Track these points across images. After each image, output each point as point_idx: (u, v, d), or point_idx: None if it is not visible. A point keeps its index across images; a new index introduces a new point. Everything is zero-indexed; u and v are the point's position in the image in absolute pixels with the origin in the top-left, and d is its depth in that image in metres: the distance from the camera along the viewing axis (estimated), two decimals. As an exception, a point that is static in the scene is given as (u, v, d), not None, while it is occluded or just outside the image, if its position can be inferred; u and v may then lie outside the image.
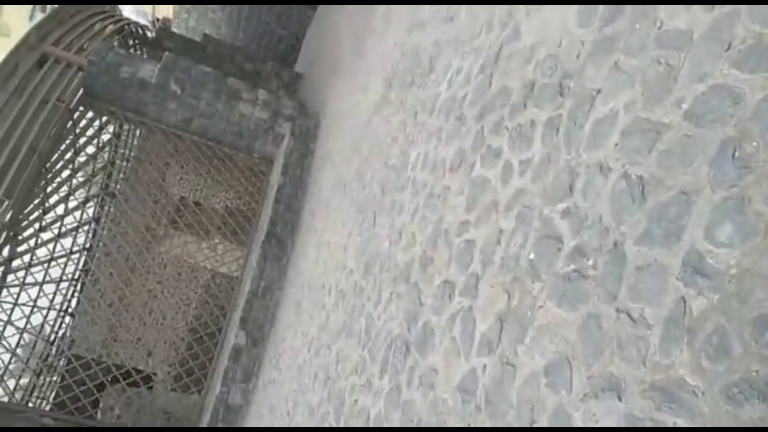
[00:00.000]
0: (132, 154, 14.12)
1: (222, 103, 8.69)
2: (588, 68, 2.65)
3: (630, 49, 2.45)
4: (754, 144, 1.72)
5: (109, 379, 8.12)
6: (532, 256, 2.56)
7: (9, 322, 9.57)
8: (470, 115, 3.57)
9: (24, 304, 10.39)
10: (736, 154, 1.76)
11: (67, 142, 9.83)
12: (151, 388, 9.06)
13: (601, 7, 2.73)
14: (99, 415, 7.81)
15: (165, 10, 20.03)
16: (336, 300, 5.00)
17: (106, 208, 14.17)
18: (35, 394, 12.18)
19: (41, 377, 12.60)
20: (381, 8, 7.47)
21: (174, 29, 18.12)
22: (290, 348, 6.19)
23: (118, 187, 14.11)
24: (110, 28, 10.59)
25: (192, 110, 8.73)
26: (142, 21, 16.73)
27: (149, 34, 13.01)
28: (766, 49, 1.76)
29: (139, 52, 11.89)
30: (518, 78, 3.22)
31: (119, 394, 8.45)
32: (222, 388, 6.97)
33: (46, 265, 10.74)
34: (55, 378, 12.71)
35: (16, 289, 10.06)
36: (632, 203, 2.13)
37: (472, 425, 2.59)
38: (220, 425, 6.97)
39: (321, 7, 15.81)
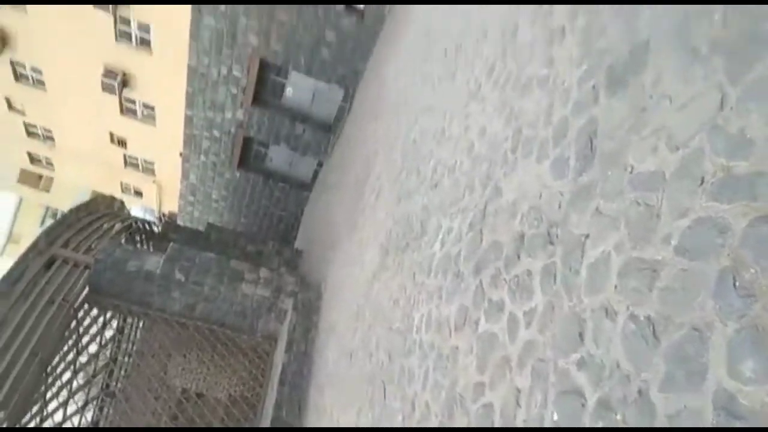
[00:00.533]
0: (134, 348, 13.91)
1: (225, 286, 8.82)
2: (571, 216, 2.73)
3: (607, 194, 2.55)
4: (752, 271, 1.70)
5: None
6: (556, 417, 2.37)
7: None
8: (467, 271, 3.59)
9: None
10: (737, 283, 1.73)
11: (70, 342, 9.75)
12: None
13: (572, 160, 2.91)
14: None
15: (171, 205, 21.32)
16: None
17: (105, 410, 13.53)
18: None
19: None
20: (369, 183, 7.98)
21: (179, 222, 19.13)
22: None
23: (118, 385, 13.65)
24: (117, 226, 11.15)
25: (195, 296, 8.81)
26: (149, 217, 17.70)
27: (156, 229, 13.65)
28: (738, 179, 1.83)
29: (146, 247, 12.34)
30: (507, 231, 3.30)
31: None
32: None
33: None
34: None
35: None
36: (646, 346, 2.04)
37: None
38: None
39: (315, 189, 16.90)
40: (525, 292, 2.88)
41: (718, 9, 2.27)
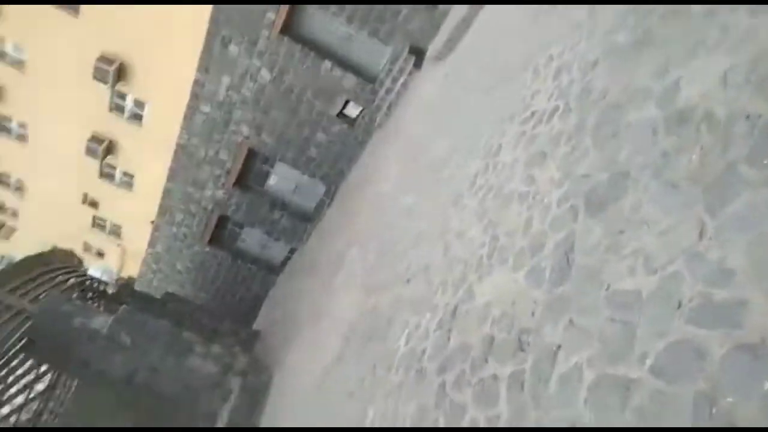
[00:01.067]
0: (63, 408, 12.74)
1: (173, 356, 8.34)
2: (545, 325, 2.73)
3: (583, 308, 2.56)
4: (729, 400, 1.68)
5: None
6: None
7: None
8: (430, 368, 3.49)
9: None
10: (713, 411, 1.70)
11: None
12: None
13: (548, 271, 2.96)
14: None
15: (132, 270, 20.63)
16: None
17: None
18: None
19: None
20: (340, 275, 7.92)
21: (136, 288, 18.40)
22: None
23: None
24: (72, 281, 10.69)
25: (138, 363, 8.27)
26: (107, 279, 16.99)
27: (110, 290, 13.10)
28: (717, 306, 1.86)
29: (97, 306, 11.72)
30: (476, 334, 3.26)
31: None
32: None
33: None
34: None
35: None
36: (613, 466, 1.95)
37: None
38: None
39: (284, 273, 16.65)
40: (490, 398, 2.79)
41: (695, 149, 2.46)
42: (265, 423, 7.46)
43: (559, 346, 2.56)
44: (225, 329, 12.72)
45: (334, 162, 13.85)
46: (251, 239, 17.18)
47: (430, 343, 3.73)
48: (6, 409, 9.14)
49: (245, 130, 13.63)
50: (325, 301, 7.97)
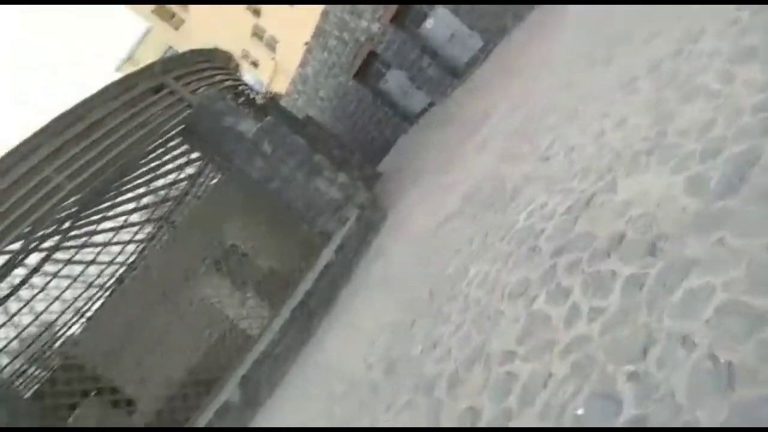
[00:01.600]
0: (204, 193, 14.72)
1: (303, 174, 9.01)
2: (689, 237, 2.50)
3: (740, 229, 2.30)
4: None
5: (95, 390, 7.86)
6: (580, 412, 2.27)
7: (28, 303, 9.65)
8: (546, 248, 3.44)
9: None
10: None
11: (153, 164, 10.44)
12: (131, 414, 8.52)
13: (714, 180, 2.64)
14: (71, 419, 7.39)
15: (279, 87, 21.83)
16: (346, 390, 4.66)
17: (160, 234, 14.59)
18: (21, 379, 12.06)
19: (34, 366, 12.57)
20: (477, 135, 7.75)
21: (281, 103, 19.53)
22: (282, 423, 5.75)
23: (179, 219, 14.62)
24: (228, 83, 11.52)
25: (273, 171, 9.07)
26: (257, 88, 18.11)
27: (258, 100, 14.01)
28: None
29: (246, 111, 12.67)
30: (607, 227, 3.09)
31: (98, 409, 8.04)
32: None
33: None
34: (44, 371, 12.63)
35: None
36: (716, 390, 1.87)
37: None
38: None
39: (418, 124, 16.69)
40: (600, 290, 2.71)
41: None
42: (370, 255, 8.04)
43: (696, 261, 2.36)
44: (353, 163, 13.36)
45: (499, 15, 12.81)
46: (394, 82, 17.11)
47: (552, 224, 3.63)
48: (161, 182, 10.63)
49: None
50: (455, 158, 7.95)
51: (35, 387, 12.64)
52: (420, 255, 5.88)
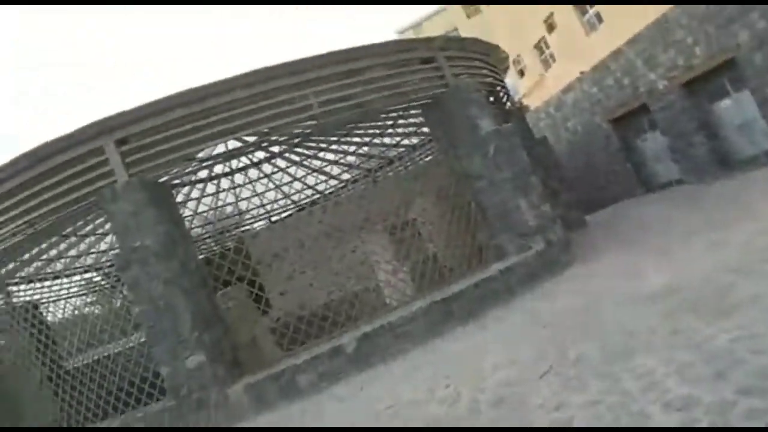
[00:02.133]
0: (412, 165, 15.39)
1: (512, 187, 8.85)
2: None
3: None
4: None
5: (247, 281, 8.94)
6: None
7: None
8: (734, 381, 2.84)
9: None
10: None
11: (389, 122, 11.20)
12: (263, 313, 9.38)
13: None
14: (220, 293, 8.46)
15: (531, 100, 21.53)
16: (447, 396, 4.51)
17: (363, 182, 15.73)
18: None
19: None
20: (720, 234, 6.69)
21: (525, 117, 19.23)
22: (374, 394, 5.85)
23: (382, 178, 15.58)
24: (489, 79, 11.64)
25: (487, 172, 9.06)
26: (511, 93, 17.98)
27: (507, 105, 13.96)
28: None
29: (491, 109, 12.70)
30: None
31: (242, 295, 9.05)
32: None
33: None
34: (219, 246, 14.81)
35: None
36: None
37: None
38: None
39: (655, 194, 15.10)
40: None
41: None
42: (535, 294, 7.59)
43: None
44: (563, 199, 12.71)
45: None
46: (652, 144, 15.72)
47: (757, 361, 2.97)
48: (386, 140, 11.21)
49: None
50: (676, 244, 7.04)
51: (207, 254, 14.84)
52: (588, 317, 5.36)
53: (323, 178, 16.55)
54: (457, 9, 28.88)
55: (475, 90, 9.68)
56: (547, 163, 13.36)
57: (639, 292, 5.57)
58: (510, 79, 22.46)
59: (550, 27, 19.36)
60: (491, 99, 12.28)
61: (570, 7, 17.27)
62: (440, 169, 10.46)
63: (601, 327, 4.86)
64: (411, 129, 13.44)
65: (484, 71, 11.45)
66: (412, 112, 10.85)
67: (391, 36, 36.99)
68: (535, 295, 7.66)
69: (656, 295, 5.24)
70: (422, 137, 13.96)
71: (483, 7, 24.63)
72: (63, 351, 10.10)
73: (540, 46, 20.83)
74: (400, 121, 12.36)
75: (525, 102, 21.81)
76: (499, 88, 12.69)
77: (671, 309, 4.64)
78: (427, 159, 14.82)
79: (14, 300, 10.80)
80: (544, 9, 18.95)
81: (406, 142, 14.56)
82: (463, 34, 26.00)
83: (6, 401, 9.27)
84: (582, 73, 17.16)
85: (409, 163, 15.53)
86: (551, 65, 20.60)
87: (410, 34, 34.02)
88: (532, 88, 22.31)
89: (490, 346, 5.98)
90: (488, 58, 11.74)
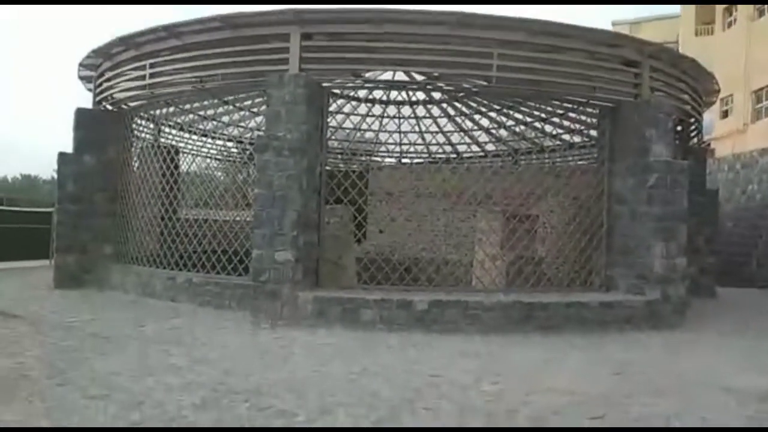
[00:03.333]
0: (563, 162, 14.49)
1: (655, 225, 8.10)
2: None
3: None
4: None
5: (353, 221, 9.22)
6: None
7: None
8: None
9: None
10: None
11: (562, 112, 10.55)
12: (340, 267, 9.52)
13: None
14: (328, 207, 8.79)
15: (720, 147, 19.12)
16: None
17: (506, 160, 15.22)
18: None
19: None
20: None
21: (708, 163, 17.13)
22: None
23: (525, 164, 14.94)
24: (687, 107, 10.48)
25: (637, 200, 8.37)
26: (703, 130, 16.00)
27: (693, 140, 12.50)
28: None
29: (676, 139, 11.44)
30: None
31: (346, 213, 9.33)
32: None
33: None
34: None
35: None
36: None
37: None
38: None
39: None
40: None
41: None
42: (623, 338, 7.02)
43: None
44: (704, 262, 11.54)
45: None
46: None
47: None
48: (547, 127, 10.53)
49: None
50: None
51: (333, 168, 15.41)
52: (665, 386, 4.86)
53: (468, 140, 16.23)
54: (688, 20, 25.78)
55: (666, 112, 8.76)
56: (705, 218, 11.96)
57: (732, 384, 4.94)
58: (709, 115, 20.03)
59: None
60: (678, 127, 11.08)
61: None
62: (587, 177, 9.79)
63: (671, 400, 4.39)
64: (578, 126, 12.61)
65: (685, 96, 10.33)
66: (589, 109, 10.15)
67: (605, 25, 34.27)
68: (623, 341, 7.11)
69: (750, 394, 4.64)
70: (586, 138, 13.04)
71: (717, 29, 21.83)
72: (182, 198, 11.20)
73: (760, 95, 18.18)
74: (571, 114, 11.64)
75: (713, 145, 19.43)
76: (693, 119, 11.39)
77: (759, 413, 4.09)
78: (580, 162, 13.90)
79: (162, 138, 12.07)
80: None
81: (566, 136, 13.71)
82: (683, 49, 23.34)
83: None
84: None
85: (559, 158, 14.68)
86: (762, 118, 17.98)
87: (625, 29, 31.22)
88: (729, 134, 19.73)
89: (553, 367, 5.69)
90: (696, 84, 10.51)
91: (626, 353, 6.44)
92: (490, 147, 16.06)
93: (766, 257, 15.29)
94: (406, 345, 6.48)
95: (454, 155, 16.61)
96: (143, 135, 11.60)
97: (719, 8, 21.23)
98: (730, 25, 20.82)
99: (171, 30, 8.81)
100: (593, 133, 11.60)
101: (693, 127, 12.04)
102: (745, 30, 19.01)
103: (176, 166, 10.73)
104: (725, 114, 20.78)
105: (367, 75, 9.34)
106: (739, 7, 19.67)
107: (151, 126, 11.70)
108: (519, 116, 13.49)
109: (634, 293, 8.19)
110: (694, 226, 9.87)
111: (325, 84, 8.63)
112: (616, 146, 8.97)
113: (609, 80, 8.76)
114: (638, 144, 8.52)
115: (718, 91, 11.88)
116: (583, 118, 11.63)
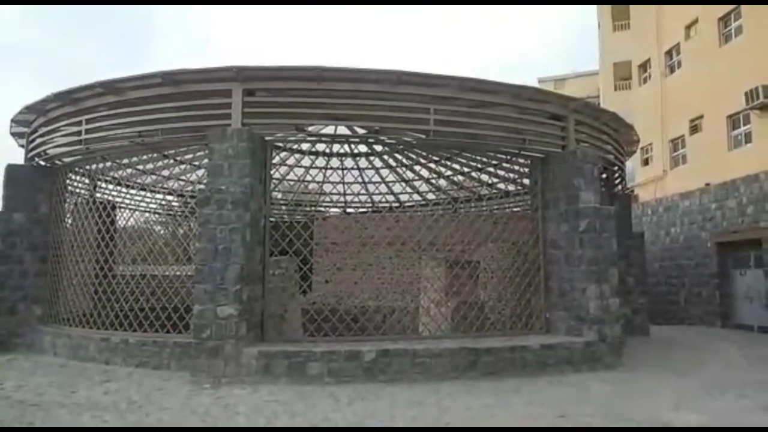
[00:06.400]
0: (494, 210, 15.04)
1: (587, 269, 8.53)
2: None
3: None
4: None
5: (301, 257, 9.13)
6: None
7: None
8: None
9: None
10: None
11: (497, 162, 11.01)
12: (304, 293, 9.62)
13: None
14: (272, 258, 8.73)
15: (644, 192, 20.45)
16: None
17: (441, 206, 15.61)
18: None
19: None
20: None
21: (633, 208, 18.24)
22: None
23: (464, 210, 15.41)
24: (610, 156, 11.21)
25: (568, 244, 8.80)
26: (625, 176, 17.06)
27: (616, 187, 13.32)
28: None
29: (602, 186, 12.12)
30: None
31: (291, 264, 9.29)
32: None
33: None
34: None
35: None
36: None
37: None
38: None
39: (731, 331, 13.86)
40: None
41: None
42: (565, 379, 7.23)
43: None
44: (635, 301, 12.10)
45: None
46: (750, 280, 14.46)
47: None
48: (484, 177, 10.90)
49: None
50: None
51: (277, 219, 15.37)
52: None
53: (410, 190, 16.65)
54: (607, 77, 27.96)
55: (592, 162, 9.37)
56: (634, 260, 12.68)
57: (672, 422, 5.18)
58: (631, 163, 21.49)
59: (695, 128, 18.26)
60: (604, 175, 11.82)
61: (723, 116, 16.20)
62: (523, 224, 10.22)
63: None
64: (512, 175, 13.23)
65: (608, 146, 11.06)
66: (521, 160, 10.69)
67: (531, 81, 36.50)
68: (565, 382, 7.32)
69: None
70: (520, 186, 13.68)
71: (635, 84, 23.69)
72: (118, 255, 10.82)
73: (677, 143, 19.72)
74: (505, 164, 12.22)
75: (637, 191, 20.76)
76: (616, 167, 12.20)
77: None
78: (516, 209, 14.50)
79: (98, 194, 11.69)
80: (696, 108, 17.87)
81: (501, 185, 14.34)
82: (604, 103, 25.12)
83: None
84: (707, 184, 16.10)
85: (496, 206, 15.27)
86: (679, 165, 19.46)
87: (550, 86, 33.43)
88: (650, 180, 21.17)
89: (500, 413, 5.78)
90: (617, 135, 11.33)
91: (568, 395, 6.62)
92: (430, 196, 16.51)
93: (692, 296, 16.25)
94: (354, 398, 6.41)
95: (397, 204, 16.95)
96: (78, 190, 11.23)
97: (635, 66, 23.14)
98: (645, 80, 22.68)
99: (109, 86, 8.72)
100: (526, 181, 12.18)
101: (617, 175, 12.86)
102: (659, 84, 20.76)
103: (112, 222, 10.40)
104: (646, 162, 22.32)
105: (310, 128, 9.54)
106: (653, 64, 21.54)
107: (87, 181, 11.35)
108: (456, 166, 14.02)
109: (573, 334, 8.50)
110: (624, 268, 10.43)
111: (268, 138, 8.73)
112: (548, 194, 9.46)
113: (537, 133, 9.31)
114: (568, 192, 9.02)
115: (638, 141, 12.83)
116: (516, 167, 12.24)
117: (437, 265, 10.37)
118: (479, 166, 13.31)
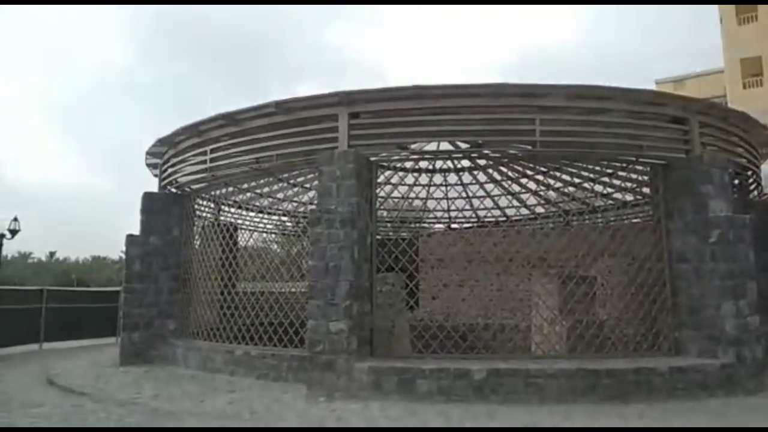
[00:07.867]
0: (611, 222, 14.14)
1: (721, 284, 7.76)
2: None
3: None
4: None
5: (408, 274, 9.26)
6: None
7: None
8: None
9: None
10: None
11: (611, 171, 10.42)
12: (411, 309, 9.65)
13: None
14: (380, 275, 8.91)
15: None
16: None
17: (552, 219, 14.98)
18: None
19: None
20: None
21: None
22: None
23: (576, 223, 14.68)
24: (743, 160, 10.18)
25: (698, 257, 8.08)
26: (763, 182, 15.30)
27: (754, 193, 12.03)
28: None
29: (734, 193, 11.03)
30: None
31: (398, 283, 9.40)
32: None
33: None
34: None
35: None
36: None
37: None
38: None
39: None
40: None
41: None
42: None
43: None
44: None
45: None
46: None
47: None
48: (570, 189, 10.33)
49: None
50: None
51: (383, 237, 15.60)
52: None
53: (516, 204, 16.19)
54: (734, 75, 25.41)
55: (721, 167, 8.56)
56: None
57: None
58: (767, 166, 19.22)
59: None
60: (735, 181, 10.72)
61: None
62: (644, 236, 9.50)
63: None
64: (629, 184, 12.39)
65: (739, 149, 10.06)
66: (639, 168, 10.02)
67: (648, 84, 34.13)
68: (698, 409, 6.62)
69: None
70: (639, 196, 12.75)
71: (767, 81, 21.39)
72: (240, 273, 11.62)
73: None
74: (621, 173, 11.51)
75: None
76: (750, 172, 11.01)
77: None
78: (635, 220, 13.51)
79: (221, 217, 12.72)
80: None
81: (618, 195, 13.46)
82: (732, 103, 22.82)
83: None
84: None
85: (612, 218, 14.35)
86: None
87: (668, 87, 31.00)
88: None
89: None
90: (749, 137, 10.26)
91: (709, 422, 5.99)
92: (539, 209, 15.92)
93: None
94: (465, 417, 6.28)
95: (503, 219, 16.53)
96: (204, 214, 12.27)
97: (766, 61, 20.90)
98: (779, 74, 20.39)
99: (229, 117, 9.50)
100: (646, 190, 11.36)
101: (751, 180, 11.60)
102: (797, 78, 18.57)
103: (235, 242, 11.20)
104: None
105: (413, 146, 9.66)
106: (789, 55, 19.33)
107: (212, 205, 12.38)
108: (567, 177, 13.42)
109: (706, 356, 7.72)
110: (764, 281, 9.32)
111: (372, 158, 8.97)
112: (672, 203, 8.75)
113: (656, 138, 8.68)
114: (695, 200, 8.30)
115: (769, 141, 11.51)
116: (634, 176, 11.46)
117: (549, 281, 9.92)
118: (592, 176, 12.64)
